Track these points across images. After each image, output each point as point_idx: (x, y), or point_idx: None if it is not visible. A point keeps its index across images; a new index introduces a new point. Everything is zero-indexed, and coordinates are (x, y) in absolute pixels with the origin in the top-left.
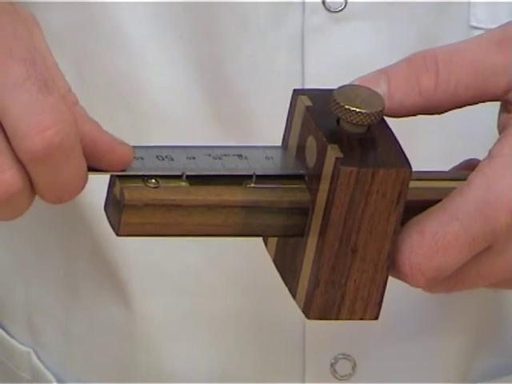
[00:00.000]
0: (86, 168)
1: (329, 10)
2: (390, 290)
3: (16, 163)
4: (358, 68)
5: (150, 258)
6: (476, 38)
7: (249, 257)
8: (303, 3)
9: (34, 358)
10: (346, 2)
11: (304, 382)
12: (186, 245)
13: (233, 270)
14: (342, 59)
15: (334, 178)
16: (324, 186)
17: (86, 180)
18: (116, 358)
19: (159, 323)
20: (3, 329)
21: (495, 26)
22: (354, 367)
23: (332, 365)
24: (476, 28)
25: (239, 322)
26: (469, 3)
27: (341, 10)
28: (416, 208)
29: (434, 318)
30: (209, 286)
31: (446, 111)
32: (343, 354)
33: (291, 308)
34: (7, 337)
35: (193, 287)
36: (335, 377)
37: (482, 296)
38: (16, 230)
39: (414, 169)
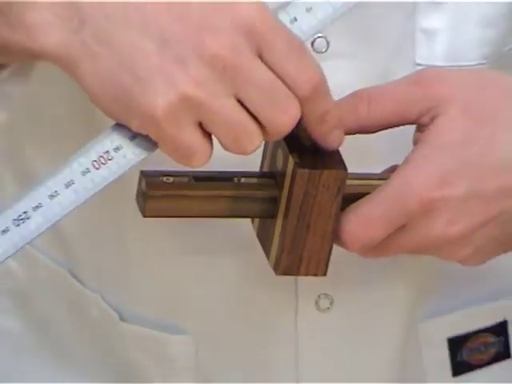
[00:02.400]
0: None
1: (316, 51)
2: None
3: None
4: (339, 96)
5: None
6: (400, 78)
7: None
8: None
9: (101, 301)
10: (328, 45)
11: (297, 313)
12: (196, 230)
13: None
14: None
15: (293, 176)
16: (287, 182)
17: None
18: (169, 296)
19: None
20: (76, 278)
21: (433, 63)
22: (331, 303)
23: (316, 301)
24: (419, 64)
25: (240, 275)
26: (413, 44)
27: (325, 51)
28: (352, 198)
29: (386, 266)
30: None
31: (376, 131)
32: (324, 294)
33: None
34: (79, 285)
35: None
36: (318, 310)
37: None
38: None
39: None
